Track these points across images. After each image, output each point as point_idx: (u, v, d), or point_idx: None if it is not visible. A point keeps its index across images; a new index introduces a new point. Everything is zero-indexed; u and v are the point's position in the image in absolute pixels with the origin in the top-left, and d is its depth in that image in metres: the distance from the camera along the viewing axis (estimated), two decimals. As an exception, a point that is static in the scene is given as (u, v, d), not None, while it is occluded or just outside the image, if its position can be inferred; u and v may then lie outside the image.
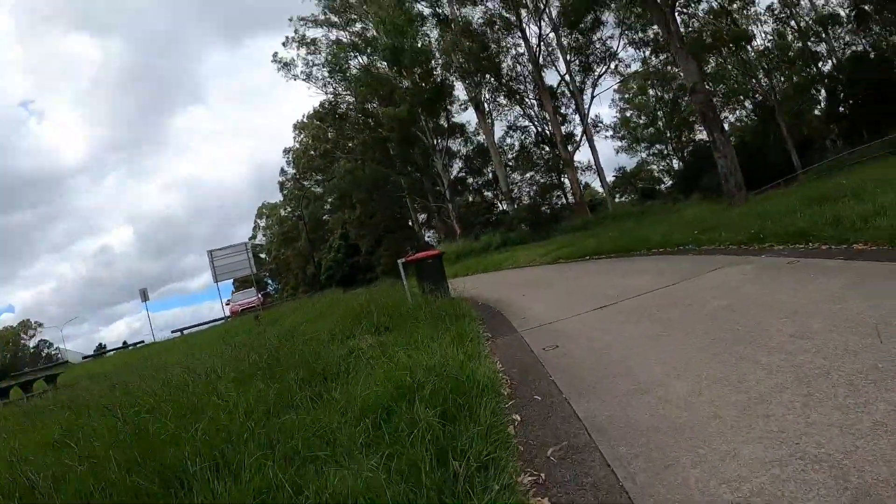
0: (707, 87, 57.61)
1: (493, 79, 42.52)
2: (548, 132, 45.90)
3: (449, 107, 48.46)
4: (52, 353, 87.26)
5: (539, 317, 8.89)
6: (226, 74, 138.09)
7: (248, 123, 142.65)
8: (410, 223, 52.46)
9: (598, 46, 42.91)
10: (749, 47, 47.19)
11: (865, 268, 6.74)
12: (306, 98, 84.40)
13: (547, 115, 43.98)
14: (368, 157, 45.44)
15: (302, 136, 56.74)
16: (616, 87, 63.06)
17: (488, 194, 52.33)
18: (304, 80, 46.59)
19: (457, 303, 10.84)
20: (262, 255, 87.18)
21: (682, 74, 47.42)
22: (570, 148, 42.12)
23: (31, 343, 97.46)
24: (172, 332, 40.62)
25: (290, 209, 75.52)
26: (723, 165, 18.60)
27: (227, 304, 38.88)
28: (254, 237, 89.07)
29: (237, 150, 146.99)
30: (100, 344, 79.51)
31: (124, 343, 38.20)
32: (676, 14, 19.82)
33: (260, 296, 39.15)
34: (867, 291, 5.61)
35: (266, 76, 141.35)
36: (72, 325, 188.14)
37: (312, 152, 54.51)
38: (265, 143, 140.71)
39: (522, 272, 19.40)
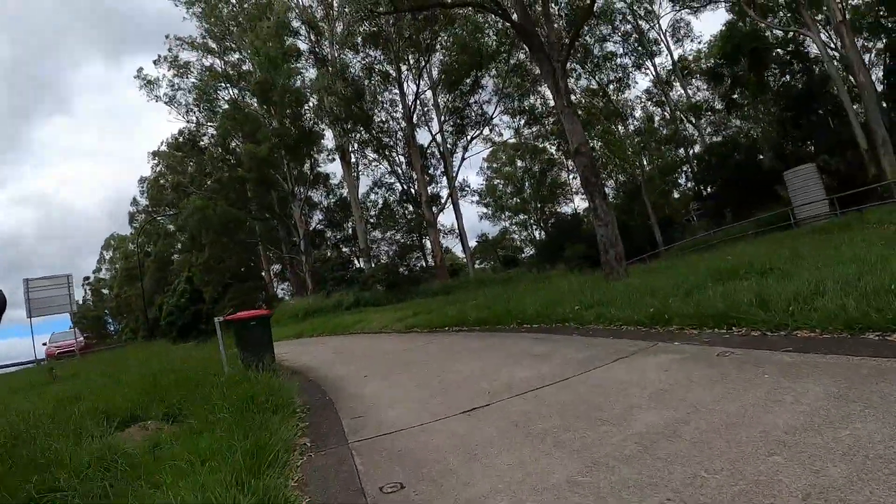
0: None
1: (363, 130, 40.06)
2: (413, 191, 43.92)
3: (315, 154, 45.99)
4: None
5: (382, 416, 6.53)
6: (98, 90, 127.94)
7: (113, 146, 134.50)
8: (263, 273, 48.55)
9: (474, 109, 41.37)
10: (619, 126, 46.98)
11: (839, 366, 4.77)
12: (166, 123, 79.39)
13: (414, 174, 42.05)
14: (222, 197, 41.75)
15: (158, 165, 52.01)
16: (486, 155, 63.05)
17: (346, 250, 49.52)
18: (166, 102, 43.27)
19: (278, 383, 8.74)
20: (105, 291, 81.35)
21: (563, 137, 48.03)
22: (434, 209, 40.22)
23: None
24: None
25: (137, 244, 70.40)
26: (603, 235, 16.59)
27: (43, 345, 34.17)
28: (98, 270, 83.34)
29: (98, 173, 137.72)
30: None
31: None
32: (565, 73, 17.44)
33: (82, 339, 34.44)
34: (879, 407, 3.73)
35: (137, 100, 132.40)
36: None
37: (164, 183, 49.91)
38: (127, 169, 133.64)
39: (372, 341, 16.77)
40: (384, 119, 41.64)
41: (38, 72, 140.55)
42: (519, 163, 64.30)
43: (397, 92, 40.27)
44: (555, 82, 17.48)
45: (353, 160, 43.72)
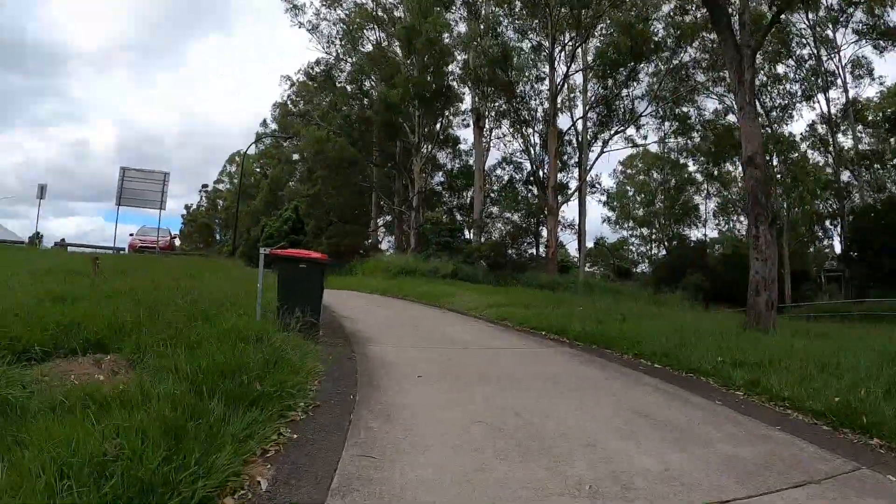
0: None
1: (503, 98, 37.05)
2: (542, 174, 40.82)
3: (450, 116, 43.23)
4: None
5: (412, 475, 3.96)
6: (260, 15, 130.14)
7: (260, 69, 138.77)
8: (371, 223, 46.44)
9: (624, 102, 37.56)
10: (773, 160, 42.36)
11: None
12: (305, 51, 78.00)
13: (547, 157, 38.85)
14: (344, 134, 39.60)
15: (290, 90, 50.44)
16: (622, 158, 59.27)
17: (458, 218, 46.80)
18: (308, 30, 41.22)
19: (305, 352, 7.27)
20: (220, 203, 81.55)
21: (710, 155, 44.02)
22: (559, 198, 36.81)
23: None
24: (55, 243, 34.83)
25: (259, 165, 70.01)
26: (758, 271, 13.10)
27: (130, 235, 33.06)
28: (219, 182, 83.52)
29: (242, 92, 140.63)
30: (36, 233, 78.10)
31: (62, 240, 32.33)
32: (753, 63, 14.10)
33: (169, 238, 33.06)
34: None
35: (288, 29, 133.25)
36: (20, 203, 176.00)
37: (292, 109, 48.16)
38: (267, 93, 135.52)
39: (455, 322, 14.20)
40: (526, 92, 38.56)
41: None
42: (654, 174, 60.15)
43: (546, 69, 37.18)
44: (739, 72, 14.14)
45: (486, 127, 41.06)
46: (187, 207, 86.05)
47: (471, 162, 45.93)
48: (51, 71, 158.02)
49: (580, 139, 40.77)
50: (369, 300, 19.81)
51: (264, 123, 61.68)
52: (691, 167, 52.15)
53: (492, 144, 44.80)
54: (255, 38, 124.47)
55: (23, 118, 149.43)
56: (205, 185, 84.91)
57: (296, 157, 58.28)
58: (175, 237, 34.97)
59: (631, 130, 40.27)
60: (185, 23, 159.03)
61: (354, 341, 9.64)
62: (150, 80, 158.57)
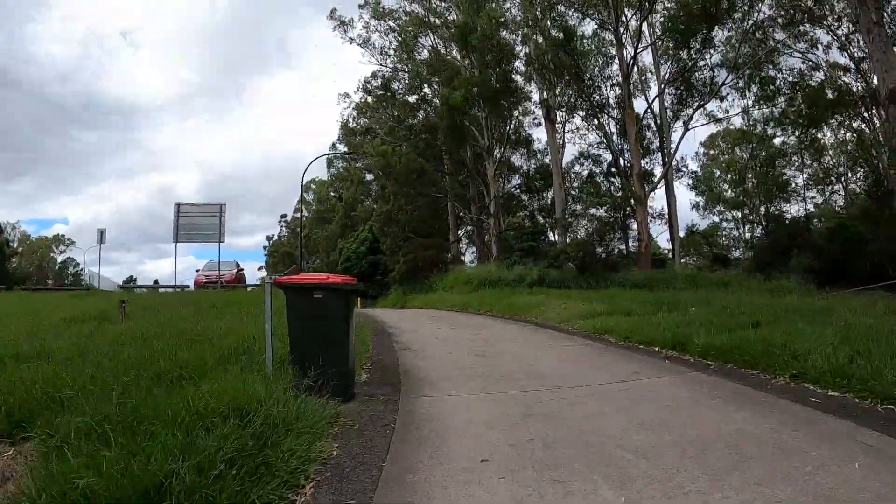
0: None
1: (572, 84, 34.11)
2: (623, 162, 37.64)
3: (520, 116, 41.03)
4: (79, 272, 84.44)
5: None
6: (319, 47, 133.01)
7: (327, 97, 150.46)
8: (450, 236, 43.83)
9: (703, 73, 33.81)
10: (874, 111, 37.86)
11: None
12: (359, 66, 76.95)
13: (626, 143, 35.71)
14: (410, 145, 37.32)
15: (349, 107, 48.30)
16: (704, 139, 55.24)
17: (540, 219, 43.85)
18: (360, 44, 39.47)
19: (315, 441, 4.90)
20: (300, 231, 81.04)
21: (798, 123, 39.72)
22: (645, 186, 33.45)
23: (59, 258, 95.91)
24: (120, 286, 33.30)
25: (334, 189, 68.76)
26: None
27: (197, 271, 31.57)
28: (298, 210, 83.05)
29: (318, 120, 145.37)
30: (130, 276, 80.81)
31: (155, 281, 31.54)
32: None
33: (234, 271, 31.17)
34: None
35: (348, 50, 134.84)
36: (115, 251, 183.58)
37: (355, 127, 46.09)
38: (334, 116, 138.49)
39: (544, 343, 11.45)
40: (595, 75, 35.55)
41: (270, 30, 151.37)
42: (738, 152, 55.65)
43: (613, 50, 34.18)
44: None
45: (557, 121, 38.21)
46: (269, 238, 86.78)
47: (546, 161, 43.15)
48: (127, 125, 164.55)
49: (659, 121, 37.71)
50: (443, 320, 17.27)
51: (333, 146, 60.12)
52: (778, 139, 47.51)
53: (566, 139, 42.03)
54: (318, 67, 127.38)
55: (110, 170, 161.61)
56: (283, 215, 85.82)
57: (369, 176, 56.32)
58: (241, 269, 33.06)
59: (712, 106, 36.37)
60: (254, 65, 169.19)
61: (406, 387, 7.22)
62: (225, 122, 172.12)
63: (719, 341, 8.58)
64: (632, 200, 32.15)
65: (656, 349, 9.57)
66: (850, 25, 34.57)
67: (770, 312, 10.96)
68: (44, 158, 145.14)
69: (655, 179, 36.34)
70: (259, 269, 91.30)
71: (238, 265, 33.37)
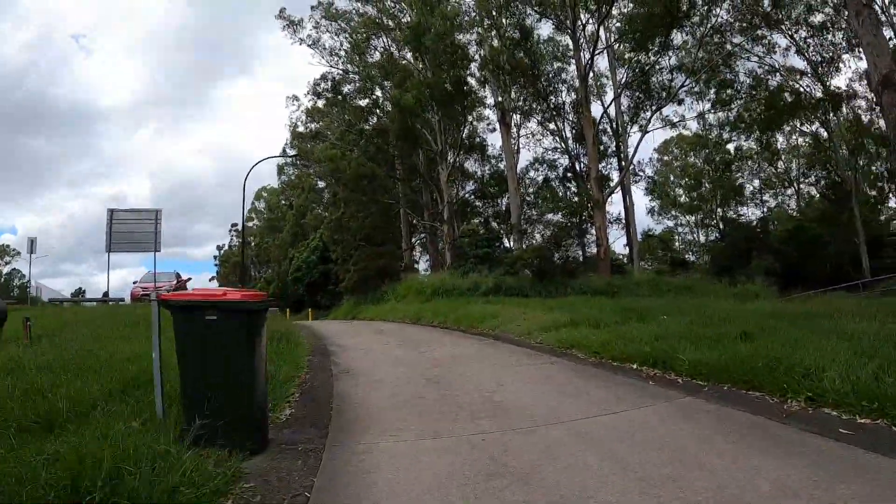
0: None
1: (526, 87, 33.09)
2: (579, 167, 36.71)
3: (474, 122, 39.79)
4: (26, 284, 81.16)
5: None
6: (275, 54, 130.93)
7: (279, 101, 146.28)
8: (403, 243, 42.12)
9: (660, 76, 32.95)
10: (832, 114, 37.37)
11: None
12: (308, 67, 75.93)
13: (583, 148, 34.78)
14: (360, 149, 35.67)
15: (297, 111, 45.16)
16: (658, 145, 54.75)
17: (495, 225, 42.51)
18: (309, 45, 37.68)
19: None
20: (251, 240, 78.82)
21: (754, 129, 39.15)
22: (603, 190, 32.32)
23: (5, 270, 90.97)
24: (49, 299, 31.18)
25: (285, 197, 66.80)
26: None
27: (133, 283, 29.53)
28: (250, 219, 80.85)
29: (272, 129, 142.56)
30: (79, 288, 78.25)
31: (105, 294, 29.48)
32: None
33: (175, 283, 29.08)
34: None
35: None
36: (67, 262, 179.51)
37: (303, 131, 44.03)
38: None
39: (505, 363, 9.69)
40: (551, 79, 34.54)
41: (223, 35, 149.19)
42: (692, 158, 55.32)
43: (570, 54, 33.09)
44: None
45: (513, 125, 37.08)
46: (219, 248, 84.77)
47: (501, 166, 42.00)
48: (78, 133, 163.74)
49: (615, 126, 37.12)
50: (393, 334, 15.78)
51: (283, 153, 58.02)
52: (732, 145, 47.09)
53: (521, 144, 40.74)
54: (276, 74, 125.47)
55: (60, 180, 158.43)
56: (234, 224, 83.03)
57: (321, 184, 54.34)
58: (183, 281, 30.87)
59: (668, 111, 35.72)
60: (209, 71, 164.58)
61: (336, 430, 5.73)
62: (177, 130, 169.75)
63: (709, 357, 7.36)
64: (589, 205, 30.97)
65: (634, 367, 8.29)
66: (808, 29, 34.18)
67: (752, 321, 9.79)
68: None
69: (612, 184, 35.27)
70: (210, 279, 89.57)
71: (178, 276, 31.17)
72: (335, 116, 41.01)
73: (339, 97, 38.63)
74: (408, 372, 8.87)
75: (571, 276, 26.69)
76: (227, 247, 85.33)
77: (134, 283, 29.46)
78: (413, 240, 44.70)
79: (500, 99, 33.89)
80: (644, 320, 11.62)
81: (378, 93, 37.64)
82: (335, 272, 43.11)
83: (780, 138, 44.82)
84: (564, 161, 41.07)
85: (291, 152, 52.17)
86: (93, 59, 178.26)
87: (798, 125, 41.03)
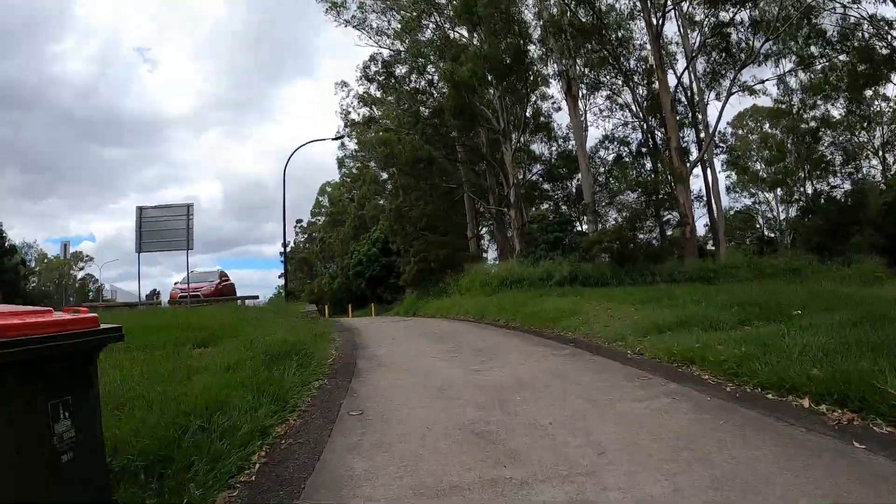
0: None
1: (596, 50, 29.59)
2: (653, 142, 33.03)
3: (537, 100, 37.02)
4: (100, 287, 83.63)
5: None
6: (331, 53, 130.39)
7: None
8: (468, 232, 38.65)
9: (739, 35, 29.10)
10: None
11: None
12: (356, 49, 73.80)
13: (656, 123, 31.29)
14: (417, 131, 32.37)
15: (347, 97, 40.88)
16: (730, 119, 50.31)
17: (565, 209, 38.93)
18: (355, 26, 34.88)
19: None
20: (316, 235, 76.93)
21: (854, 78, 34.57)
22: (686, 163, 28.56)
23: (80, 275, 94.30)
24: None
25: (346, 189, 64.19)
26: None
27: (175, 284, 27.16)
28: (316, 214, 79.21)
29: (332, 127, 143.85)
30: (154, 290, 79.15)
31: (151, 294, 27.74)
32: None
33: (216, 283, 26.52)
34: None
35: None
36: (143, 265, 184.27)
37: (356, 118, 40.68)
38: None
39: (599, 389, 6.24)
40: (618, 44, 30.81)
41: (285, 38, 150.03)
42: (771, 129, 50.74)
43: (638, 10, 29.42)
44: None
45: (580, 96, 33.58)
46: (285, 245, 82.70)
47: (570, 146, 38.56)
48: (147, 141, 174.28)
49: (689, 94, 33.74)
50: (448, 339, 12.65)
51: (342, 145, 55.11)
52: (817, 111, 41.96)
53: (589, 122, 37.02)
54: (334, 72, 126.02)
55: (132, 186, 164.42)
56: (299, 220, 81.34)
57: (384, 175, 51.18)
58: (226, 280, 28.33)
59: (746, 75, 31.61)
60: (270, 73, 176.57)
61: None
62: (244, 132, 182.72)
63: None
64: (670, 179, 27.34)
65: (805, 404, 5.09)
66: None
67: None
68: (67, 176, 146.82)
69: (693, 158, 31.33)
70: (279, 276, 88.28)
71: (222, 275, 28.73)
72: (389, 105, 37.90)
73: (392, 80, 35.46)
74: (448, 416, 5.63)
75: (656, 260, 23.21)
76: (291, 243, 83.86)
77: (175, 284, 27.10)
78: (480, 229, 41.36)
79: (564, 67, 30.30)
80: (774, 318, 8.33)
81: (431, 70, 34.44)
82: (397, 265, 40.15)
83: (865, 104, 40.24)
84: (638, 136, 37.38)
85: (351, 144, 49.44)
86: (157, 68, 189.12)
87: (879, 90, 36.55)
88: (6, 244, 63.29)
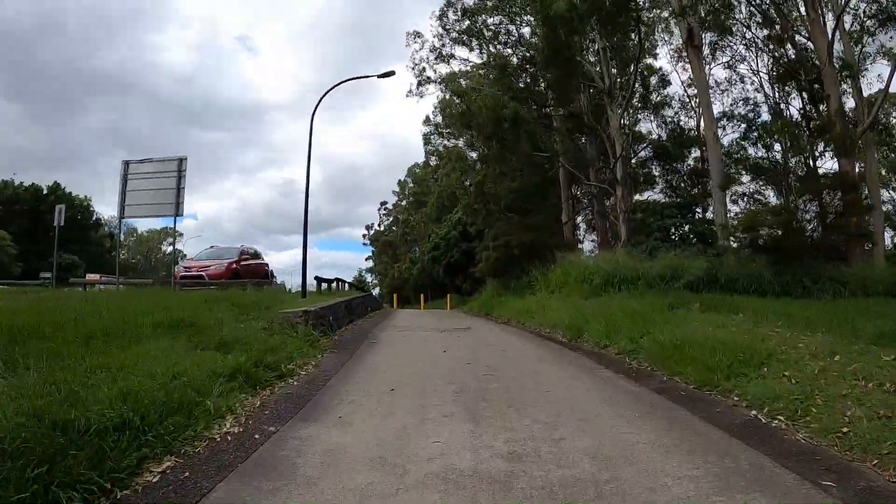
0: None
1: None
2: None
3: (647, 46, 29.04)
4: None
5: None
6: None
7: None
8: (563, 215, 31.18)
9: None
10: None
11: None
12: None
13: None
14: (502, 83, 25.33)
15: (420, 48, 34.51)
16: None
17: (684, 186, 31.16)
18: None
19: None
20: (400, 217, 72.61)
21: None
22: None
23: (168, 250, 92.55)
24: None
25: (431, 166, 57.57)
26: None
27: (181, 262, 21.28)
28: (403, 197, 73.66)
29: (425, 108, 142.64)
30: (270, 271, 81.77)
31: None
32: None
33: (228, 262, 19.82)
34: None
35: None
36: (240, 242, 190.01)
37: (430, 74, 33.47)
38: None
39: None
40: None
41: (380, 25, 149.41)
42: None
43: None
44: None
45: (703, 46, 25.33)
46: (368, 228, 78.42)
47: (683, 122, 31.00)
48: (247, 125, 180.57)
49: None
50: (514, 389, 6.03)
51: (427, 121, 48.32)
52: None
53: (715, 80, 28.90)
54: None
55: (233, 168, 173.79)
56: (383, 202, 76.79)
57: (473, 155, 43.97)
58: (248, 259, 21.27)
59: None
60: (366, 57, 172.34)
61: None
62: (342, 116, 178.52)
63: None
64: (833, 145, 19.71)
65: None
66: None
67: None
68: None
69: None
70: (366, 259, 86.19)
71: (243, 253, 21.51)
72: (468, 62, 30.86)
73: (474, 27, 28.37)
74: None
75: (838, 258, 15.74)
76: (375, 226, 78.85)
77: (183, 258, 20.99)
78: (576, 214, 33.89)
79: (684, 2, 22.66)
80: None
81: (520, 19, 27.32)
82: (477, 252, 33.04)
83: None
84: (764, 112, 29.18)
85: (416, 99, 42.16)
86: (257, 55, 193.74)
87: None
88: (93, 219, 68.92)
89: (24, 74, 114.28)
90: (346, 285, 27.48)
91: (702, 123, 24.44)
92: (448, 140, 47.40)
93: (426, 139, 52.02)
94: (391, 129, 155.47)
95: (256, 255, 22.29)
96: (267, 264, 23.46)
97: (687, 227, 21.93)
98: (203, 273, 18.11)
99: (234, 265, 19.32)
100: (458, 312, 25.99)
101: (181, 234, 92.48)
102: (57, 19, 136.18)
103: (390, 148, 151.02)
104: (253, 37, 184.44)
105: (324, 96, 18.68)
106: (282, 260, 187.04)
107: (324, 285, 21.65)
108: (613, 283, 15.64)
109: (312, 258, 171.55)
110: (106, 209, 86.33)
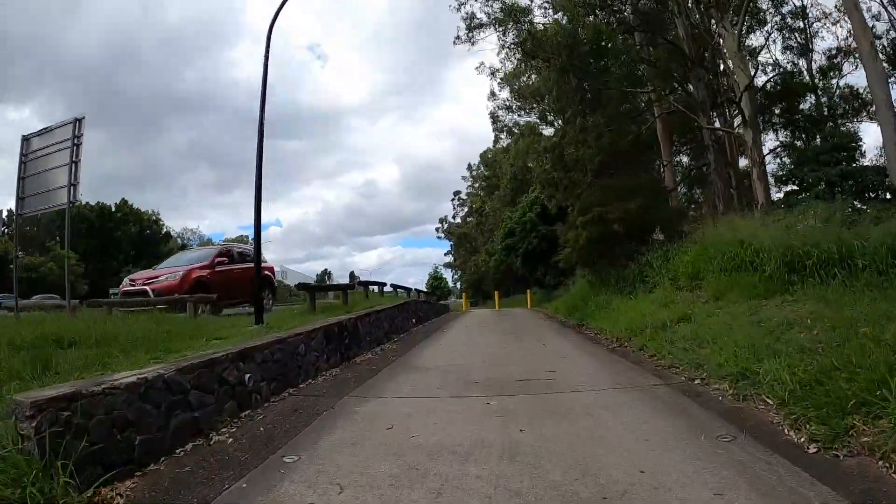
0: None
1: None
2: None
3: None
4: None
5: None
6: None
7: None
8: (669, 179, 23.21)
9: None
10: None
11: None
12: None
13: None
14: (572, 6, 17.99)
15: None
16: None
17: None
18: None
19: None
20: (473, 206, 66.60)
21: None
22: None
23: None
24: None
25: (501, 147, 50.46)
26: None
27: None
28: (474, 181, 68.60)
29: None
30: (325, 269, 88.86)
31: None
32: None
33: (201, 265, 13.43)
34: None
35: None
36: (326, 246, 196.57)
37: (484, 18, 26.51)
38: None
39: None
40: None
41: (449, 20, 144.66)
42: None
43: None
44: None
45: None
46: (441, 221, 72.56)
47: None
48: (325, 131, 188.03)
49: None
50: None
51: (492, 95, 40.91)
52: None
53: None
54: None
55: (314, 173, 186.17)
56: (457, 192, 72.10)
57: (548, 131, 36.48)
58: (221, 261, 14.03)
59: None
60: (436, 56, 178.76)
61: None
62: (417, 116, 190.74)
63: None
64: None
65: None
66: None
67: None
68: (252, 169, 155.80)
69: None
70: (446, 254, 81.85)
71: (221, 254, 14.77)
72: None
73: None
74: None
75: None
76: (449, 218, 72.83)
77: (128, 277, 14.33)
78: (679, 179, 26.15)
79: None
80: None
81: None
82: (560, 234, 25.35)
83: None
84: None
85: (462, 44, 35.00)
86: (329, 62, 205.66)
87: None
88: (163, 232, 70.73)
89: (107, 101, 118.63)
90: (405, 291, 20.11)
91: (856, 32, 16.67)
92: (518, 114, 40.25)
93: (493, 116, 44.98)
94: (467, 124, 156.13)
95: (245, 257, 15.19)
96: (271, 268, 17.13)
97: (855, 172, 14.77)
98: (147, 287, 11.78)
99: (200, 273, 12.59)
100: (538, 316, 19.08)
101: (269, 242, 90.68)
102: (133, 48, 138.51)
103: (466, 145, 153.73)
104: (322, 45, 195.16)
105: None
106: (368, 260, 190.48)
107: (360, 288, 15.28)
108: (798, 264, 8.43)
109: (397, 256, 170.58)
110: (175, 223, 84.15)
